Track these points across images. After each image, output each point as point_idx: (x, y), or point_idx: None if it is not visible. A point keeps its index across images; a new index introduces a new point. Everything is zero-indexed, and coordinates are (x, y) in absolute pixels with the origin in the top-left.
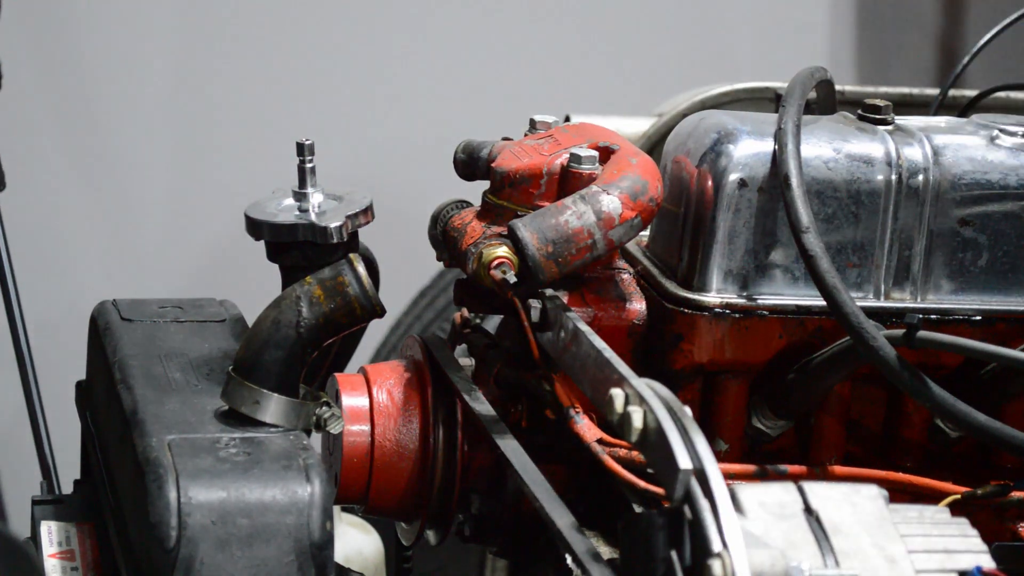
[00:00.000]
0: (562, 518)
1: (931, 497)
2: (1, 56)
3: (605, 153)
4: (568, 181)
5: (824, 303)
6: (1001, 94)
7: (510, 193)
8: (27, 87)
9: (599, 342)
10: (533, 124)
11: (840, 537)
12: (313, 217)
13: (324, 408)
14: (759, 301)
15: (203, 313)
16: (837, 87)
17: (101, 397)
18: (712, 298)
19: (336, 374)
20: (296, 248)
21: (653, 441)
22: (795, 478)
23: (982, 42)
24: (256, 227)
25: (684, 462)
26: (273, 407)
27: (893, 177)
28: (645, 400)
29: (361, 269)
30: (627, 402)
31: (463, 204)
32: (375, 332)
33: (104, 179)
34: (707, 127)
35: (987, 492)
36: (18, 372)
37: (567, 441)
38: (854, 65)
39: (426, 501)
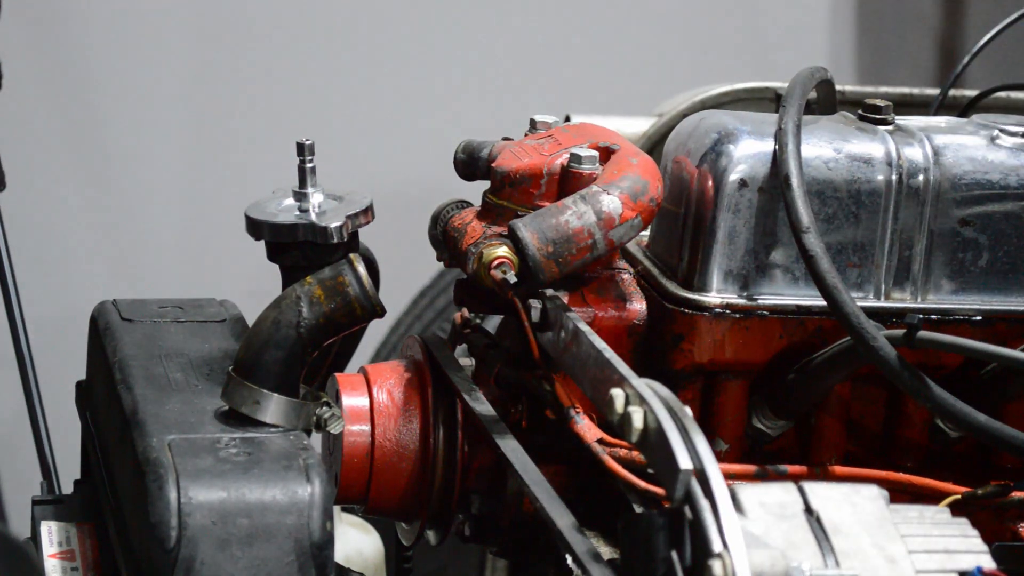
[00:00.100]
0: (562, 518)
1: (931, 497)
2: (1, 56)
3: (605, 153)
4: (568, 181)
5: (824, 303)
6: (1001, 94)
7: (510, 193)
8: (27, 87)
9: (599, 342)
10: (533, 124)
11: (840, 537)
12: (313, 217)
13: (324, 408)
14: (759, 301)
15: (203, 313)
16: (837, 87)
17: (101, 397)
18: (712, 298)
19: (336, 374)
20: (296, 248)
21: (653, 441)
22: (795, 478)
23: (982, 42)
24: (256, 227)
25: (684, 462)
26: (273, 407)
27: (893, 177)
28: (645, 400)
29: (361, 269)
30: (627, 402)
31: (463, 204)
32: (375, 332)
33: (104, 179)
34: (707, 127)
35: (987, 492)
36: (18, 372)
37: (567, 441)
38: (854, 65)
39: (426, 501)
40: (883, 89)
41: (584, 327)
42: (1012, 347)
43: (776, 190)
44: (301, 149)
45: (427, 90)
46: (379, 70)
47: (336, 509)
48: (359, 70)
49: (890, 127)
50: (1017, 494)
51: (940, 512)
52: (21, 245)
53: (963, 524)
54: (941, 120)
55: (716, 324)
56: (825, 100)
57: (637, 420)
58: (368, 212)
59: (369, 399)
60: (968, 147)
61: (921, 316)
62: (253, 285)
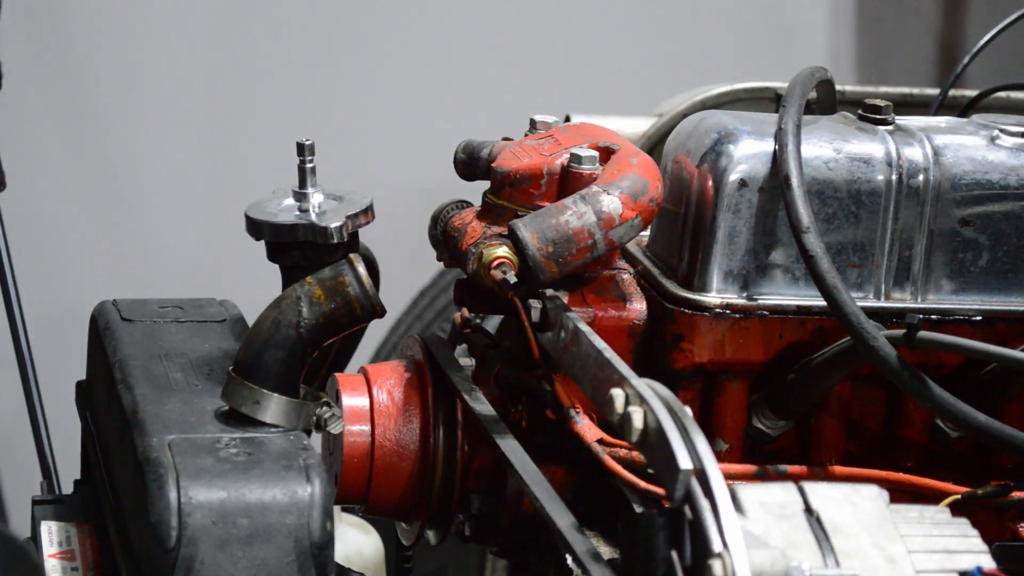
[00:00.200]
0: (562, 518)
1: (931, 497)
2: (1, 56)
3: (605, 153)
4: (568, 181)
5: (824, 303)
6: (1001, 94)
7: (510, 193)
8: (27, 87)
9: (599, 342)
10: (533, 124)
11: (840, 537)
12: (313, 217)
13: (324, 408)
14: (759, 301)
15: (203, 313)
16: (837, 87)
17: (101, 397)
18: (712, 298)
19: (336, 374)
20: (296, 248)
21: (653, 441)
22: (795, 478)
23: (982, 42)
24: (256, 227)
25: (684, 462)
26: (273, 407)
27: (893, 177)
28: (645, 400)
29: (361, 269)
30: (627, 402)
31: (463, 204)
32: (375, 332)
33: (104, 179)
34: (707, 127)
35: (987, 492)
36: (18, 372)
37: (567, 441)
38: (854, 65)
39: (426, 501)
40: (883, 89)
41: (584, 327)
42: (1012, 347)
43: (776, 190)
44: (301, 149)
45: (427, 90)
46: (379, 70)
47: (336, 509)
48: (359, 70)
49: (890, 127)
50: (1017, 494)
51: (940, 512)
52: (21, 245)
53: (963, 524)
54: (941, 120)
55: (716, 324)
56: (825, 100)
57: (637, 420)
58: (368, 212)
59: (369, 399)
60: (968, 147)
61: (921, 316)
62: (253, 285)
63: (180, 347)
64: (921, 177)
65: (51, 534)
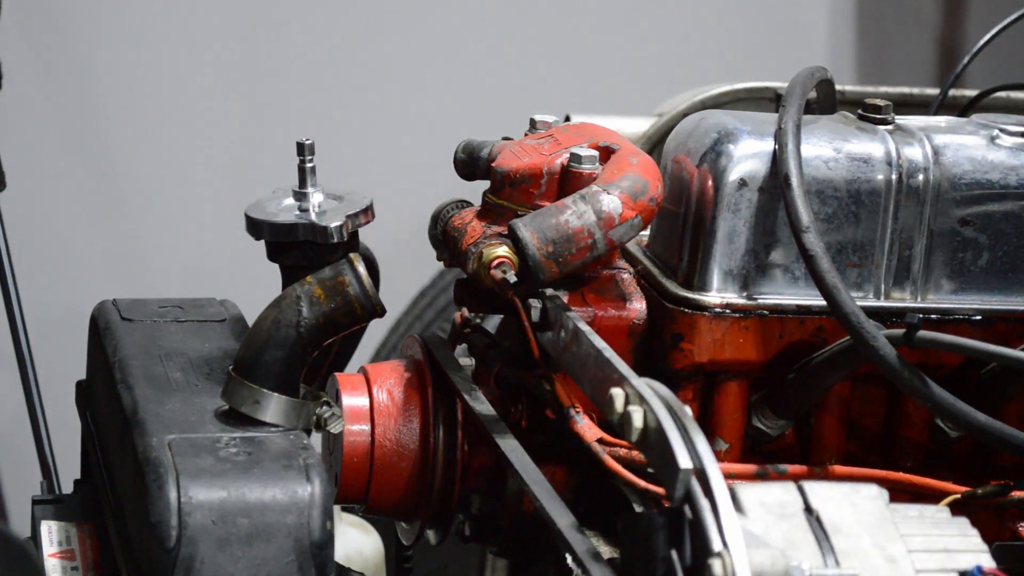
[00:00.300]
0: (562, 518)
1: (931, 497)
2: (1, 56)
3: (605, 153)
4: (568, 181)
5: (824, 303)
6: (1001, 94)
7: (510, 193)
8: (27, 87)
9: (599, 342)
10: (533, 124)
11: (840, 537)
12: (313, 217)
13: (324, 408)
14: (759, 301)
15: (203, 313)
16: (837, 87)
17: (101, 397)
18: (712, 298)
19: (336, 374)
20: (296, 248)
21: (653, 441)
22: (795, 478)
23: (982, 42)
24: (256, 227)
25: (684, 462)
26: (273, 407)
27: (893, 177)
28: (645, 400)
29: (361, 269)
30: (627, 402)
31: (463, 204)
32: (375, 332)
33: (104, 179)
34: (707, 127)
35: (987, 492)
36: (18, 372)
37: (567, 441)
38: (854, 65)
39: (426, 501)
40: (883, 89)
41: (584, 327)
42: (1012, 347)
43: (776, 190)
44: (301, 149)
45: (427, 90)
46: (379, 70)
47: (336, 509)
48: (359, 70)
49: (890, 127)
50: (1017, 494)
51: (940, 512)
52: (21, 245)
53: (963, 524)
54: (941, 120)
55: (716, 324)
56: (825, 100)
57: (637, 419)
58: (368, 212)
59: (369, 399)
60: (968, 147)
61: (921, 316)
62: (253, 285)
63: (180, 347)
64: (921, 177)
65: (51, 534)
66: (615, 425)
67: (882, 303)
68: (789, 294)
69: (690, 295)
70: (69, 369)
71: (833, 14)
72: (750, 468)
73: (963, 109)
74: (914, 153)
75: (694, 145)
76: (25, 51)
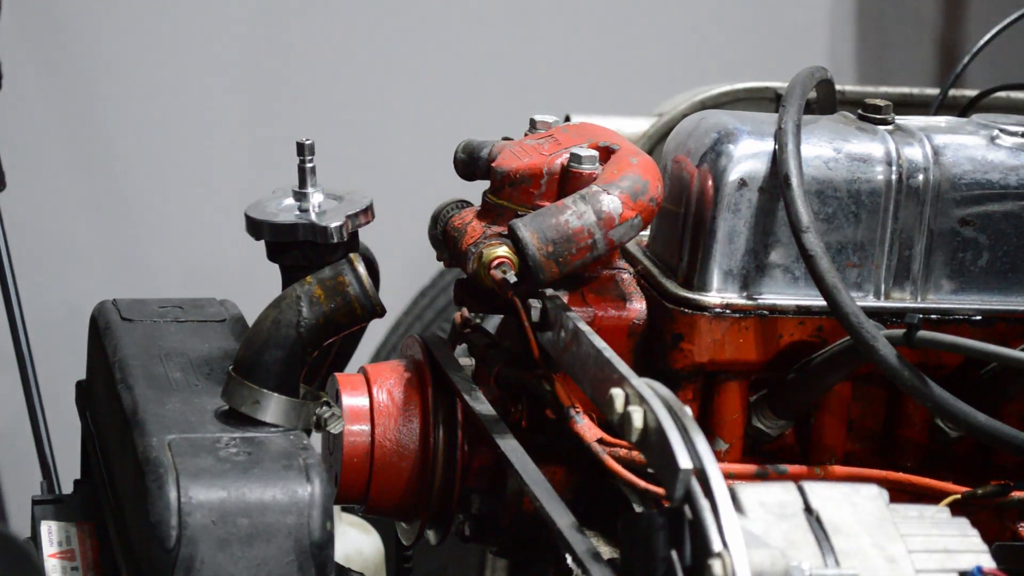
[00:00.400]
0: (562, 518)
1: (931, 497)
2: (1, 56)
3: (605, 153)
4: (568, 181)
5: (824, 303)
6: (1001, 94)
7: (510, 193)
8: (27, 87)
9: (599, 342)
10: (533, 124)
11: (840, 537)
12: (313, 217)
13: (324, 408)
14: (759, 301)
15: (203, 313)
16: (837, 87)
17: (101, 397)
18: (712, 298)
19: (336, 374)
20: (296, 248)
21: (653, 441)
22: (795, 478)
23: (982, 42)
24: (256, 227)
25: (684, 462)
26: (273, 407)
27: (893, 177)
28: (645, 400)
29: (361, 269)
30: (627, 402)
31: (463, 204)
32: (375, 332)
33: (104, 179)
34: (707, 127)
35: (987, 492)
36: (18, 372)
37: (567, 441)
38: (854, 65)
39: (426, 501)
40: (883, 89)
41: (584, 327)
42: (1012, 347)
43: (776, 190)
44: (301, 149)
45: (427, 90)
46: (379, 70)
47: (336, 509)
48: (359, 70)
49: (890, 127)
50: (1017, 494)
51: (940, 512)
52: (21, 245)
53: (963, 524)
54: (941, 120)
55: (716, 324)
56: (825, 100)
57: (637, 420)
58: (368, 212)
59: (369, 399)
60: (968, 147)
61: (921, 316)
62: (253, 285)
63: (180, 347)
64: (921, 177)
65: (51, 534)
66: (615, 425)
67: (882, 303)
68: (789, 294)
69: (690, 295)
70: (69, 369)
71: (833, 14)
72: (750, 468)
73: (963, 109)
74: (914, 153)
75: (694, 145)
76: (25, 51)
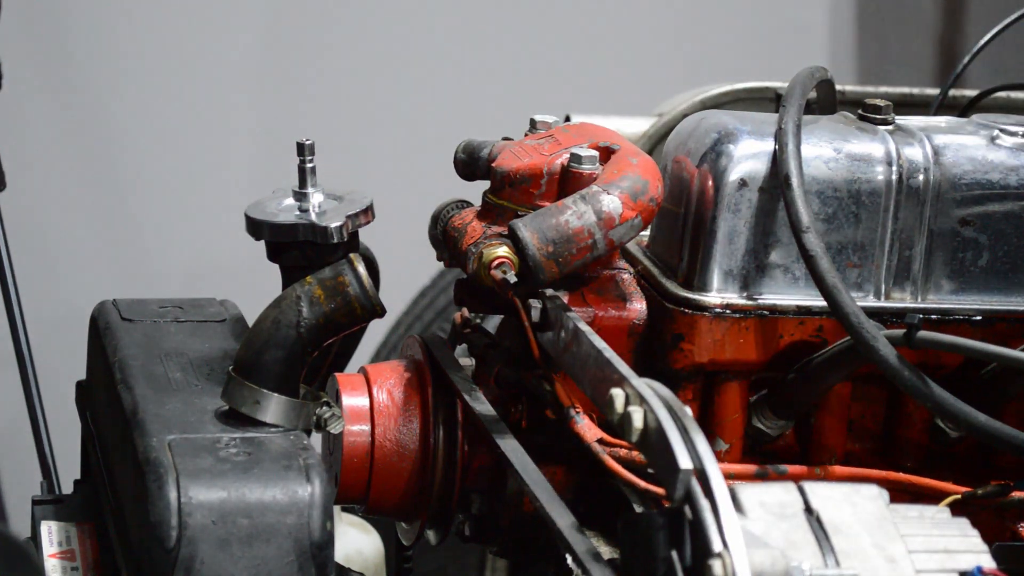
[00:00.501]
0: (562, 518)
1: (931, 497)
2: (1, 56)
3: (605, 153)
4: (568, 181)
5: (824, 303)
6: (1001, 94)
7: (510, 193)
8: (27, 87)
9: (599, 342)
10: (533, 124)
11: (840, 537)
12: (313, 217)
13: (324, 408)
14: (759, 301)
15: (203, 313)
16: (837, 87)
17: (101, 397)
18: (712, 298)
19: (336, 374)
20: (296, 248)
21: (653, 441)
22: (795, 478)
23: (982, 42)
24: (256, 227)
25: (684, 462)
26: (273, 407)
27: (893, 177)
28: (645, 400)
29: (361, 269)
30: (627, 402)
31: (463, 204)
32: (375, 332)
33: (104, 179)
34: (707, 127)
35: (987, 492)
36: (18, 372)
37: (567, 441)
38: (854, 65)
39: (426, 501)
40: (883, 89)
41: (584, 327)
42: (1012, 347)
43: (776, 190)
44: (301, 149)
45: (427, 90)
46: (379, 70)
47: (336, 509)
48: (359, 70)
49: (890, 127)
50: (1017, 494)
51: (940, 512)
52: (21, 245)
53: (963, 524)
54: (941, 120)
55: (716, 324)
56: (825, 100)
57: (637, 420)
58: (368, 212)
59: (369, 399)
60: (968, 147)
61: (921, 316)
62: (253, 285)
63: (180, 347)
64: (921, 177)
65: (51, 534)
66: (615, 425)
67: (882, 303)
68: (789, 294)
69: (690, 295)
70: (69, 369)
71: (833, 14)
72: (750, 468)
73: (963, 109)
74: (914, 153)
75: (694, 145)
76: (25, 51)
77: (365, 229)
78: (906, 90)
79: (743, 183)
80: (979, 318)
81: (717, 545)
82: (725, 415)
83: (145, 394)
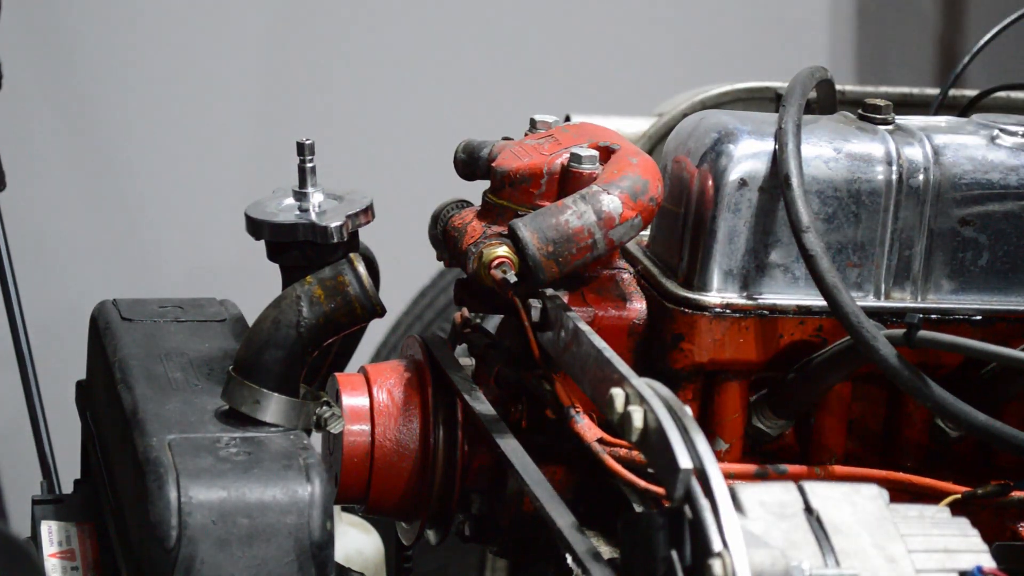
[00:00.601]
0: (562, 518)
1: (931, 497)
2: (1, 56)
3: (605, 153)
4: (568, 181)
5: (824, 303)
6: (1001, 94)
7: (510, 193)
8: (27, 87)
9: (599, 342)
10: (533, 124)
11: (840, 537)
12: (313, 217)
13: (324, 408)
14: (759, 301)
15: (203, 313)
16: (837, 87)
17: (101, 397)
18: (712, 298)
19: (336, 374)
20: (296, 248)
21: (653, 441)
22: (795, 478)
23: (982, 42)
24: (256, 227)
25: (684, 462)
26: (273, 407)
27: (893, 177)
28: (645, 400)
29: (361, 269)
30: (627, 402)
31: (463, 204)
32: (375, 332)
33: (104, 179)
34: (707, 127)
35: (987, 492)
36: (18, 372)
37: (567, 441)
38: (854, 65)
39: (426, 501)
40: (883, 89)
41: (584, 327)
42: (1012, 347)
43: (776, 189)
44: (301, 149)
45: (427, 90)
46: (379, 70)
47: (336, 509)
48: (359, 70)
49: (890, 127)
50: (1017, 494)
51: (940, 512)
52: (21, 245)
53: (963, 523)
54: (941, 120)
55: (716, 324)
56: (825, 100)
57: (637, 419)
58: (368, 212)
59: (369, 399)
60: (968, 147)
61: (921, 316)
62: (253, 285)
63: (180, 347)
64: (921, 177)
65: (51, 534)
66: (615, 425)
67: (882, 303)
68: (789, 294)
69: (690, 295)
70: (69, 369)
71: (833, 14)
72: (750, 468)
73: (963, 109)
74: (914, 153)
75: (694, 145)
76: (25, 51)
77: (365, 229)
78: (906, 90)
79: (743, 183)
80: (979, 318)
81: (717, 545)
82: (725, 415)
83: (145, 394)
